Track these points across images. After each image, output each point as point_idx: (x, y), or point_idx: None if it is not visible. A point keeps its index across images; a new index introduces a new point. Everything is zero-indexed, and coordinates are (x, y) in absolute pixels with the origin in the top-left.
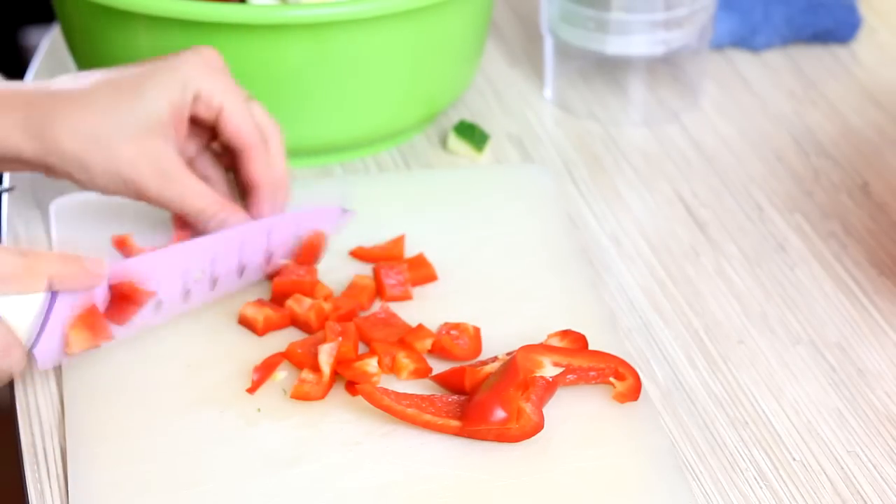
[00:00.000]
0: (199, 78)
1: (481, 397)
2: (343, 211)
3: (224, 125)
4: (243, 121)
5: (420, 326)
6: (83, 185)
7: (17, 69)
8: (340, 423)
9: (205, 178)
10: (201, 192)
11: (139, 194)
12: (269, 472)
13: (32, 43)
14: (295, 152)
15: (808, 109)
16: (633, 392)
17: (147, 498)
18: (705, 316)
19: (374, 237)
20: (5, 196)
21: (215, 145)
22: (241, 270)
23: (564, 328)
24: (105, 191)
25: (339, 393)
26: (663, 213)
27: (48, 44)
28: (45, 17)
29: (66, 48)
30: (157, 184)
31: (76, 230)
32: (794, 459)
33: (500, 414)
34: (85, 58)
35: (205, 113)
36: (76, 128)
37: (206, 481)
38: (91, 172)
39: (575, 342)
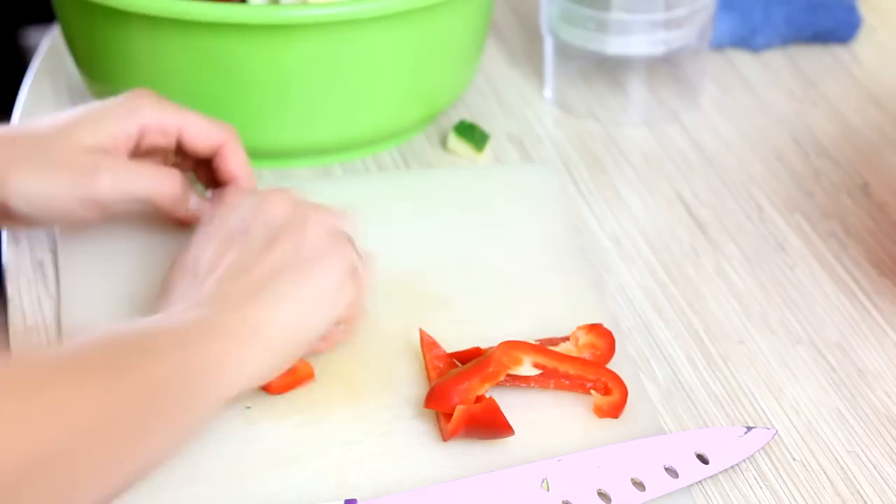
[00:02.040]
0: (146, 111)
1: (444, 381)
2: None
3: (190, 138)
4: (207, 126)
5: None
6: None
7: (17, 69)
8: (341, 422)
9: None
10: (167, 172)
11: (92, 194)
12: (270, 471)
13: (32, 43)
14: (295, 152)
15: (808, 109)
16: (615, 409)
17: (147, 497)
18: (705, 316)
19: (375, 237)
20: None
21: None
22: None
23: (581, 324)
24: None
25: (339, 392)
26: (663, 214)
27: (48, 44)
28: (45, 17)
29: (66, 48)
30: (112, 173)
31: (82, 240)
32: (794, 459)
33: (453, 400)
34: (85, 58)
35: (163, 141)
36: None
37: (206, 479)
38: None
39: (601, 336)
